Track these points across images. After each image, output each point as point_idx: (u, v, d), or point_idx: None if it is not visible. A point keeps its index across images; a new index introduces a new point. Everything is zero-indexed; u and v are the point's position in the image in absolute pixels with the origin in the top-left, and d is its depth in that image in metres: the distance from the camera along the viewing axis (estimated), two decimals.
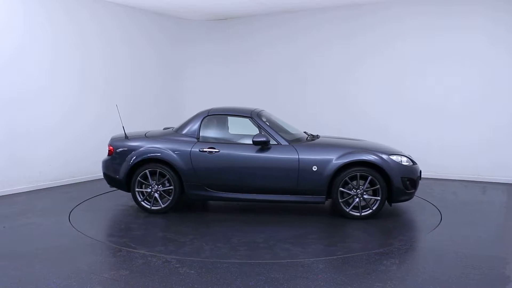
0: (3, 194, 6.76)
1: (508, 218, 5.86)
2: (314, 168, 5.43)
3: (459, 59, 7.98)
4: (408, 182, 5.45)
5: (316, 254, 4.25)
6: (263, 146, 5.53)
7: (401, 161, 5.50)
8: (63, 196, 6.81)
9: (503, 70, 7.68)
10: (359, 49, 8.82)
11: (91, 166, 8.16)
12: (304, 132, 6.47)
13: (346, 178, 5.42)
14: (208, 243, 4.64)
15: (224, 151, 5.61)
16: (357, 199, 5.45)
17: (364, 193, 5.46)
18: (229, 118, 6.10)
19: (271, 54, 9.72)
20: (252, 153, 5.56)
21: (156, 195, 5.78)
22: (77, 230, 5.08)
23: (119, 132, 6.49)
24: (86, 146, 8.07)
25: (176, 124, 6.64)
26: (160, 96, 9.72)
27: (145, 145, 5.83)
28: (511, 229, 5.39)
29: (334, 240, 4.78)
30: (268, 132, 5.64)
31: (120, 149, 5.95)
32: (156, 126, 9.57)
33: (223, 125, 6.11)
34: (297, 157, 5.47)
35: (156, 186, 5.77)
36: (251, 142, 5.56)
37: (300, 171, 5.46)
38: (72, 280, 3.65)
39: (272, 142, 5.61)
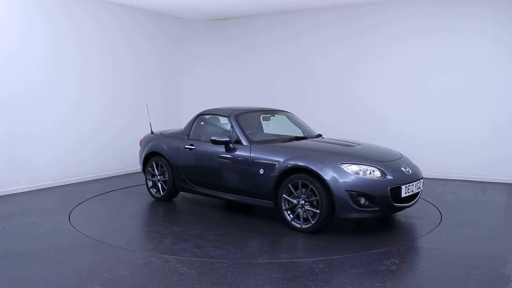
0: (3, 194, 6.76)
1: (508, 218, 5.86)
2: (261, 171, 5.17)
3: (460, 59, 7.98)
4: (360, 197, 4.64)
5: (316, 254, 4.25)
6: (226, 146, 5.53)
7: (356, 171, 4.71)
8: (63, 196, 6.81)
9: (503, 71, 7.68)
10: (360, 50, 8.82)
11: (91, 167, 8.17)
12: (319, 134, 6.24)
13: (289, 185, 4.92)
14: (208, 243, 4.64)
15: (200, 148, 5.92)
16: (299, 210, 4.89)
17: (306, 203, 4.84)
18: (220, 117, 6.22)
19: (271, 54, 9.72)
20: (218, 152, 5.64)
21: (159, 184, 6.45)
22: (77, 230, 5.08)
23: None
24: (86, 146, 8.07)
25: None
26: (160, 96, 9.72)
27: (154, 141, 6.58)
28: (511, 229, 5.39)
29: (334, 240, 4.78)
30: (236, 132, 5.62)
31: (142, 142, 6.92)
32: (156, 125, 9.56)
33: (212, 124, 6.23)
34: (249, 159, 5.32)
35: (159, 177, 6.45)
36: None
37: (249, 173, 5.30)
38: (72, 280, 3.64)
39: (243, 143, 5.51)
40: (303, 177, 4.81)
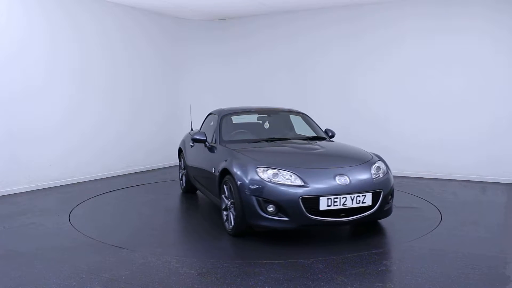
0: (3, 194, 6.76)
1: (508, 218, 5.86)
2: (213, 170, 5.23)
3: (459, 59, 7.98)
4: (268, 205, 4.35)
5: (316, 254, 4.25)
6: (204, 145, 5.76)
7: (269, 177, 4.43)
8: (63, 196, 6.82)
9: (503, 71, 7.68)
10: (360, 50, 8.82)
11: (91, 167, 8.17)
12: (323, 137, 6.01)
13: (224, 186, 4.85)
14: (208, 243, 4.64)
15: (196, 145, 6.24)
16: (229, 211, 4.78)
17: (231, 206, 4.71)
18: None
19: (271, 54, 9.72)
20: (203, 151, 5.84)
21: (180, 175, 7.17)
22: (77, 230, 5.08)
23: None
24: (87, 146, 8.08)
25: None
26: (160, 96, 9.72)
27: (181, 138, 7.40)
28: (511, 229, 5.39)
29: (333, 240, 4.78)
30: (215, 131, 5.74)
31: (184, 139, 7.32)
32: (156, 124, 9.59)
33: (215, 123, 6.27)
34: (212, 157, 5.43)
35: (180, 169, 7.18)
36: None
37: (209, 172, 5.41)
38: (72, 280, 3.64)
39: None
40: (229, 179, 4.71)
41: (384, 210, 4.76)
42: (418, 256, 4.20)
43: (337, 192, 4.37)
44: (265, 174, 4.45)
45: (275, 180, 4.40)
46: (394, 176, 8.29)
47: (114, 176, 8.55)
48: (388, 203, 4.81)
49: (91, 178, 8.14)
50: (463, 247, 4.43)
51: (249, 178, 4.46)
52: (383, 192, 4.61)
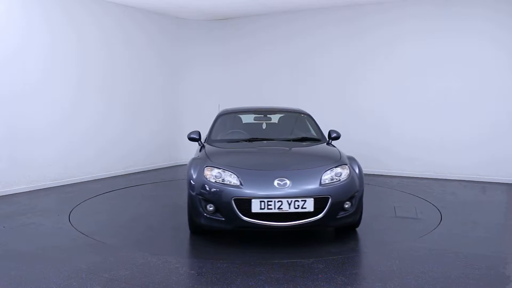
0: (3, 194, 6.76)
1: (508, 218, 5.86)
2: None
3: (459, 60, 7.99)
4: (208, 204, 4.39)
5: (316, 254, 4.25)
6: (198, 143, 5.63)
7: (213, 176, 4.49)
8: (63, 196, 6.81)
9: (503, 71, 7.68)
10: (360, 50, 8.82)
11: (91, 167, 8.17)
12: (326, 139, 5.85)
13: None
14: (208, 243, 4.64)
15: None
16: None
17: None
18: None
19: (271, 54, 9.72)
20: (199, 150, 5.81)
21: None
22: (77, 230, 5.07)
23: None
24: (86, 146, 8.07)
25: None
26: (160, 96, 9.72)
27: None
28: (511, 229, 5.39)
29: (333, 240, 4.78)
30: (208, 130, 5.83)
31: None
32: (156, 124, 9.59)
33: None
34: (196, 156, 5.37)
35: None
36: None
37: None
38: (72, 280, 3.64)
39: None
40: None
41: (338, 218, 4.40)
42: (418, 256, 4.20)
43: (272, 195, 4.21)
44: (210, 174, 4.47)
45: (218, 180, 4.40)
46: (394, 176, 8.44)
47: (114, 176, 8.55)
48: (346, 211, 4.44)
49: (91, 178, 8.14)
50: (463, 247, 4.43)
51: (195, 176, 4.53)
52: (332, 199, 4.29)
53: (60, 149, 7.64)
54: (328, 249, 4.43)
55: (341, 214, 4.42)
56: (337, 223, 4.48)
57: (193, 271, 3.85)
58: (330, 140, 5.66)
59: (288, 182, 4.29)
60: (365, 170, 8.74)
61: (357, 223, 4.88)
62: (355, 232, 5.00)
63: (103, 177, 8.36)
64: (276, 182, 4.29)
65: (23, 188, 7.08)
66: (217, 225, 4.38)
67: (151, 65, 9.44)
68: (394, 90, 8.56)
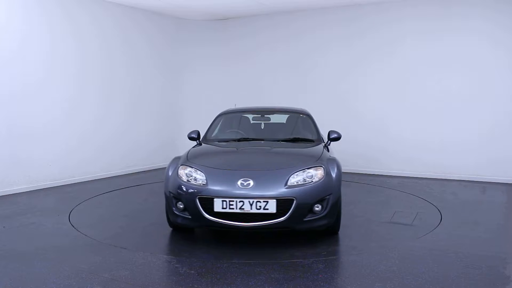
0: (3, 194, 6.76)
1: (508, 218, 5.86)
2: None
3: (459, 60, 7.99)
4: (178, 202, 4.51)
5: (316, 254, 4.25)
6: (196, 142, 5.65)
7: (185, 174, 4.60)
8: (63, 196, 6.81)
9: (503, 71, 7.68)
10: (360, 50, 8.82)
11: (91, 166, 8.17)
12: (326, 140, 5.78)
13: None
14: (208, 243, 4.64)
15: None
16: None
17: None
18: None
19: (271, 54, 9.72)
20: None
21: None
22: (77, 230, 5.08)
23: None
24: (86, 146, 8.07)
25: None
26: (159, 96, 9.72)
27: None
28: (511, 229, 5.39)
29: (333, 240, 4.78)
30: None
31: None
32: (156, 124, 9.59)
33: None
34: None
35: None
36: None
37: None
38: (72, 280, 3.64)
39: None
40: None
41: (306, 221, 4.31)
42: (418, 256, 4.20)
43: (234, 195, 4.20)
44: (183, 172, 4.56)
45: (190, 178, 4.48)
46: (394, 176, 8.44)
47: (114, 176, 8.55)
48: (316, 214, 4.34)
49: (91, 178, 8.14)
50: (463, 247, 4.43)
51: (170, 174, 4.68)
52: (297, 201, 4.20)
53: (60, 149, 7.63)
54: (329, 249, 4.43)
55: (310, 217, 4.33)
56: (305, 226, 4.36)
57: (193, 271, 3.85)
58: (329, 141, 5.55)
59: (251, 182, 4.27)
60: (365, 170, 8.85)
61: (334, 227, 4.72)
62: (355, 232, 5.00)
63: (103, 177, 8.36)
64: (239, 182, 4.29)
65: (23, 188, 7.08)
66: (185, 223, 4.50)
67: (150, 65, 9.44)
68: (394, 90, 8.56)
